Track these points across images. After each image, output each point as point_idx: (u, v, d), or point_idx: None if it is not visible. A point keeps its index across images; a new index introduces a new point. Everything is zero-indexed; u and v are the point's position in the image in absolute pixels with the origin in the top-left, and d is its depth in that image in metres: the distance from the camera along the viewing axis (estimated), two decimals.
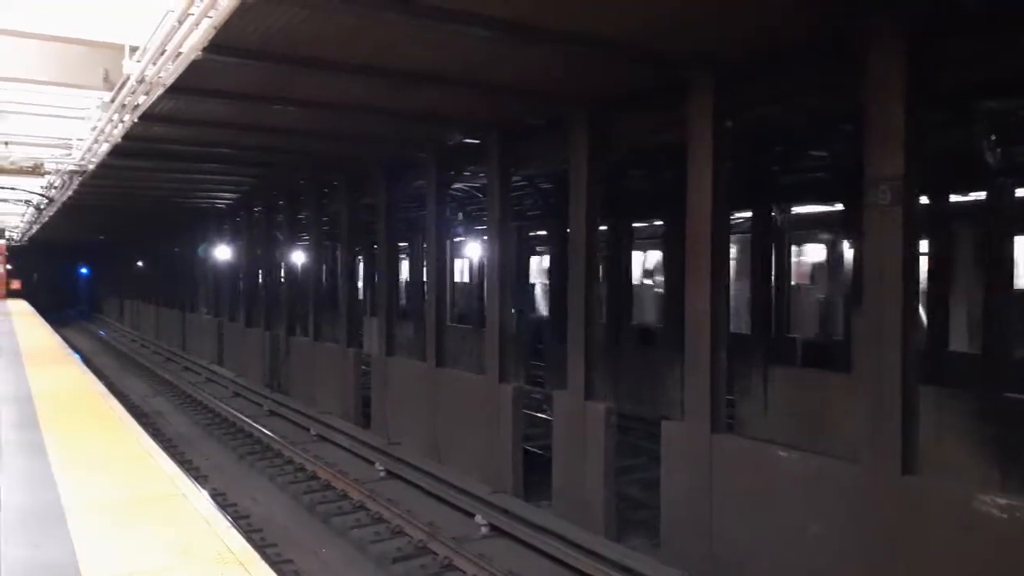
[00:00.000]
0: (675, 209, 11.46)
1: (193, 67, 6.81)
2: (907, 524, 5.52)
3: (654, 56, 6.86)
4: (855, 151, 6.39)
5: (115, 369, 24.03)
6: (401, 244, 23.07)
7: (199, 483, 10.30)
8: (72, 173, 14.00)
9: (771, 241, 13.67)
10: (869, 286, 5.95)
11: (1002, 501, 5.09)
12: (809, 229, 17.51)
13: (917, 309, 5.89)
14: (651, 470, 9.30)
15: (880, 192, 5.67)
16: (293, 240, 19.03)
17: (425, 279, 16.63)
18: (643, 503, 9.36)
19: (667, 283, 16.63)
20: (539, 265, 25.68)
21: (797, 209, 15.73)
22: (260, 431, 13.73)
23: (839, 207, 14.30)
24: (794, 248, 17.35)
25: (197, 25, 6.28)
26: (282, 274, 19.55)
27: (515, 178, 12.08)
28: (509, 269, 10.61)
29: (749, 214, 13.93)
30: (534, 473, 9.72)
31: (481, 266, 22.57)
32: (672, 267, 15.58)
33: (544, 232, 21.08)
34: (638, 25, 6.10)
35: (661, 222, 17.40)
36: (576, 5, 5.73)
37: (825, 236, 18.13)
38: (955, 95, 7.78)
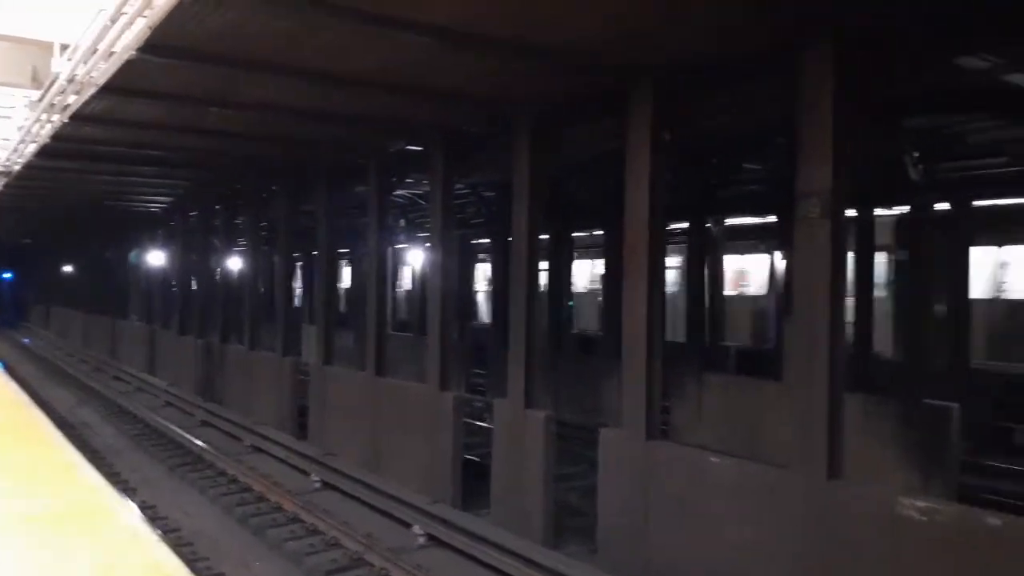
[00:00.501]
0: (615, 218, 11.62)
1: (127, 67, 6.65)
2: (833, 527, 5.70)
3: (596, 66, 6.98)
4: (788, 165, 6.60)
5: (39, 379, 23.09)
6: (342, 251, 22.81)
7: (127, 495, 9.98)
8: None
9: (706, 251, 13.98)
10: (799, 296, 6.14)
11: (921, 504, 5.29)
12: (743, 240, 17.96)
13: (844, 319, 6.08)
14: (590, 477, 9.37)
15: (810, 205, 5.86)
16: (230, 246, 18.66)
17: (365, 286, 16.48)
18: (581, 510, 9.43)
19: (606, 292, 16.83)
20: (483, 273, 25.71)
21: (731, 221, 16.14)
22: (192, 442, 13.38)
23: (772, 219, 14.74)
24: (728, 259, 17.78)
25: (131, 24, 6.14)
26: (218, 281, 19.14)
27: (458, 186, 12.09)
28: (451, 277, 10.60)
29: (686, 225, 14.24)
30: (474, 482, 9.70)
31: (423, 274, 22.48)
32: (612, 276, 15.79)
33: (487, 240, 21.13)
34: (580, 35, 6.20)
35: (602, 231, 17.63)
36: (518, 14, 5.78)
37: (759, 247, 18.62)
38: (884, 111, 8.10)
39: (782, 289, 12.41)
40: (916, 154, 10.05)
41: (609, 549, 7.52)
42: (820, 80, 5.82)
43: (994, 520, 4.97)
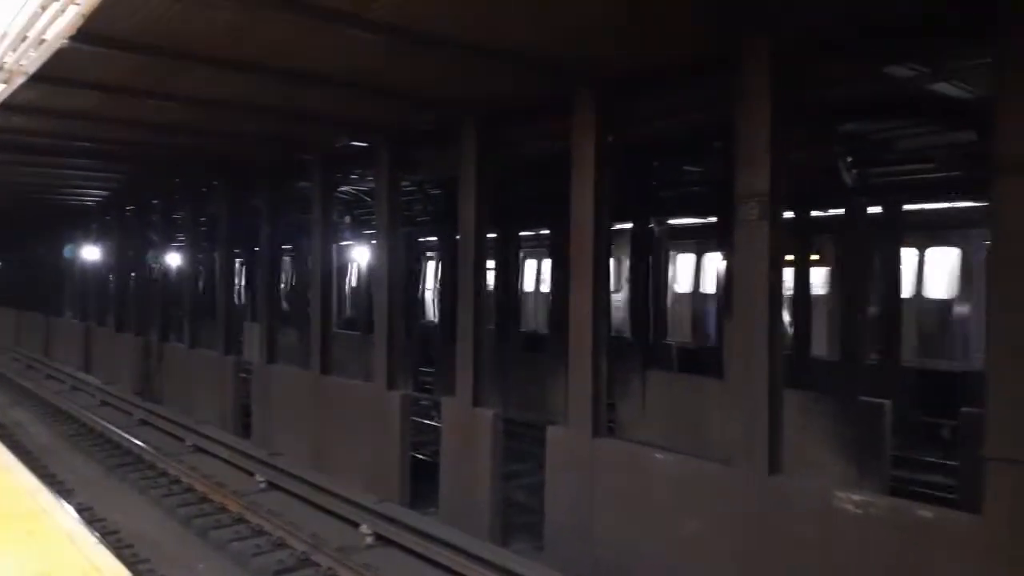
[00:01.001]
0: (560, 218, 11.71)
1: (58, 56, 6.44)
2: (774, 521, 5.87)
3: (541, 69, 7.03)
4: (727, 167, 6.75)
5: None
6: (285, 247, 22.47)
7: (63, 498, 9.69)
8: None
9: (649, 252, 14.20)
10: (738, 296, 6.30)
11: (857, 497, 5.49)
12: (684, 240, 18.26)
13: (782, 318, 6.26)
14: (537, 475, 9.45)
15: (748, 208, 6.02)
16: (168, 241, 18.22)
17: (310, 284, 16.28)
18: (529, 507, 9.49)
19: (553, 290, 16.94)
20: (431, 271, 25.59)
21: (673, 221, 16.40)
22: (130, 442, 13.05)
23: (712, 220, 15.01)
24: (672, 258, 18.08)
25: (63, 12, 5.95)
26: (156, 277, 18.68)
27: (404, 183, 12.03)
28: (398, 275, 10.55)
29: (630, 225, 14.42)
30: (421, 481, 9.69)
31: (368, 271, 22.30)
32: (558, 274, 15.90)
33: (434, 238, 21.06)
34: (527, 38, 6.25)
35: (548, 230, 17.74)
36: (466, 15, 5.79)
37: (699, 247, 18.96)
38: (818, 116, 8.35)
39: (722, 289, 12.65)
40: (850, 159, 10.36)
41: (556, 546, 7.61)
42: (758, 86, 5.97)
43: (925, 512, 5.20)
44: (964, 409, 9.15)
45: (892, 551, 5.25)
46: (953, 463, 10.21)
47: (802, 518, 5.74)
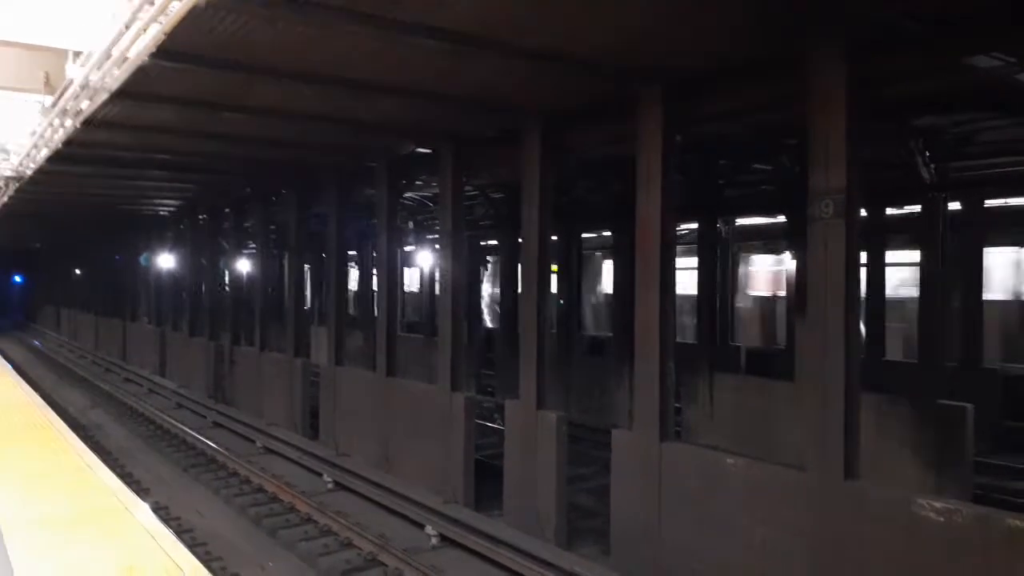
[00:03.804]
0: (624, 220, 11.60)
1: (140, 72, 6.67)
2: (850, 528, 5.68)
3: (606, 71, 6.96)
4: (799, 165, 6.57)
5: (51, 380, 23.22)
6: (350, 253, 22.88)
7: (140, 497, 10.01)
8: (9, 179, 13.54)
9: (716, 252, 13.94)
10: (813, 296, 6.11)
11: (939, 505, 5.27)
12: (754, 240, 17.92)
13: (859, 319, 6.06)
14: (601, 479, 9.37)
15: (823, 205, 5.85)
16: (239, 248, 18.70)
17: (375, 288, 16.51)
18: (593, 511, 9.42)
19: (616, 293, 16.80)
20: (491, 274, 25.71)
21: (742, 221, 16.09)
22: (204, 443, 13.43)
23: (782, 219, 14.68)
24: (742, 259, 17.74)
25: (145, 30, 6.16)
26: (227, 283, 19.19)
27: (466, 187, 12.10)
28: (461, 278, 10.60)
29: (695, 225, 14.19)
30: (484, 483, 9.71)
31: (431, 275, 22.49)
32: (621, 277, 15.75)
33: (495, 242, 21.13)
34: (591, 41, 6.20)
35: (610, 232, 17.60)
36: (529, 20, 5.78)
37: (769, 247, 18.56)
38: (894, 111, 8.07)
39: (794, 290, 12.35)
40: (927, 154, 10.00)
41: (622, 550, 7.52)
42: (832, 80, 5.80)
43: (1015, 521, 4.95)
44: None
45: (979, 562, 5.02)
46: None
47: (880, 525, 5.54)
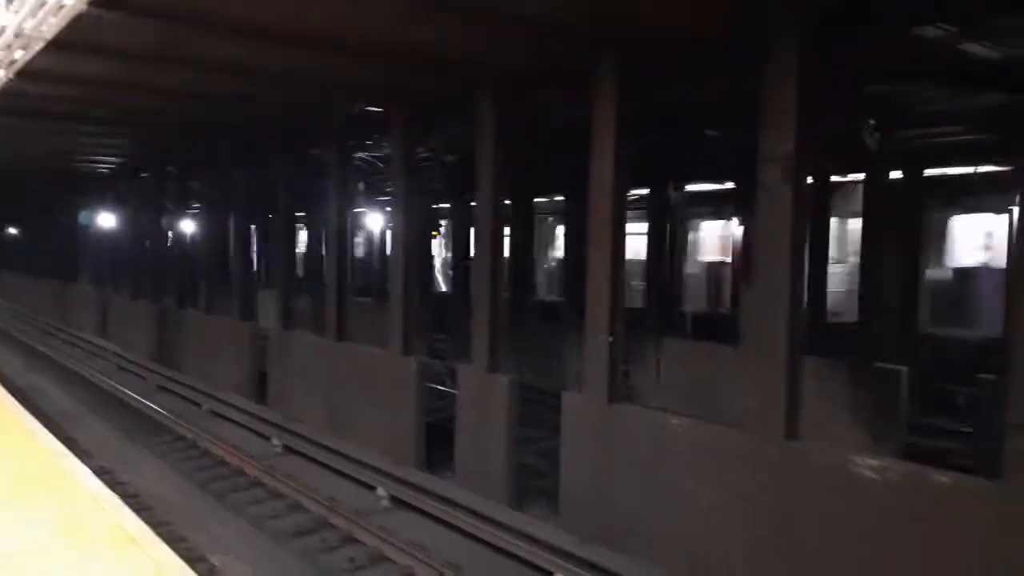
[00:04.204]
0: (576, 187, 11.61)
1: (78, 21, 6.40)
2: (791, 486, 5.87)
3: (563, 34, 6.91)
4: (748, 134, 6.63)
5: None
6: (299, 214, 22.49)
7: (84, 461, 9.82)
8: None
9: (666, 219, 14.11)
10: (759, 261, 6.24)
11: (874, 463, 5.48)
12: (702, 207, 18.14)
13: (803, 284, 6.21)
14: (551, 440, 9.49)
15: (771, 171, 5.94)
16: (183, 208, 18.24)
17: (324, 251, 16.29)
18: (544, 472, 9.56)
19: (566, 258, 16.90)
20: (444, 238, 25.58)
21: (691, 187, 16.25)
22: (149, 407, 13.20)
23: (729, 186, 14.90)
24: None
25: None
26: (171, 244, 18.73)
27: (419, 150, 11.95)
28: (414, 242, 10.53)
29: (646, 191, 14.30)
30: (436, 447, 9.75)
31: (382, 238, 22.30)
32: (571, 243, 15.84)
33: (447, 205, 20.99)
34: (547, 4, 6.13)
35: (562, 198, 17.64)
36: None
37: (716, 214, 18.84)
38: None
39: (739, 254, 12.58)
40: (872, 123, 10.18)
41: (571, 509, 7.66)
42: (786, 47, 5.86)
43: (943, 477, 5.18)
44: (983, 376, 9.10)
45: (910, 516, 5.25)
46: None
47: (819, 483, 5.74)
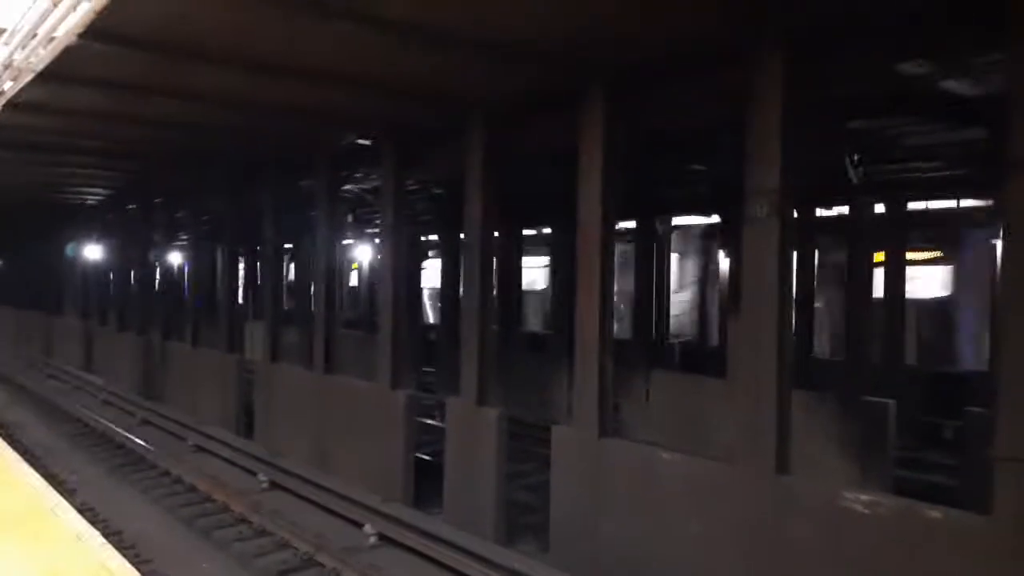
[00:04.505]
0: (563, 218, 11.65)
1: (67, 53, 6.42)
2: (781, 520, 5.84)
3: (550, 64, 6.98)
4: (735, 165, 6.70)
5: None
6: (287, 246, 22.46)
7: (66, 498, 9.65)
8: None
9: (653, 250, 14.17)
10: (747, 295, 6.26)
11: (865, 497, 5.46)
12: (690, 239, 18.25)
13: (791, 317, 6.22)
14: (540, 475, 9.42)
15: (758, 204, 5.99)
16: (171, 240, 18.18)
17: (312, 283, 16.25)
18: (532, 507, 9.47)
19: (555, 290, 16.91)
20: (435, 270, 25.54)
21: (678, 220, 16.38)
22: (133, 441, 13.02)
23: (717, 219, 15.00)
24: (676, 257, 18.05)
25: (75, 8, 5.94)
26: (158, 276, 18.64)
27: (408, 182, 11.99)
28: (402, 274, 10.51)
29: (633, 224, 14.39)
30: (424, 482, 9.65)
31: (371, 270, 22.28)
32: (560, 274, 15.87)
33: (436, 237, 21.02)
34: (534, 32, 6.20)
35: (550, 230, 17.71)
36: (474, 10, 5.76)
37: (705, 246, 18.94)
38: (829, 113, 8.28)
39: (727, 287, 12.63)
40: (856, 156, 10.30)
41: (562, 546, 7.58)
42: (771, 80, 5.94)
43: (934, 512, 5.16)
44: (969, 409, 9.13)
45: (900, 551, 5.22)
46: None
47: (810, 517, 5.71)
